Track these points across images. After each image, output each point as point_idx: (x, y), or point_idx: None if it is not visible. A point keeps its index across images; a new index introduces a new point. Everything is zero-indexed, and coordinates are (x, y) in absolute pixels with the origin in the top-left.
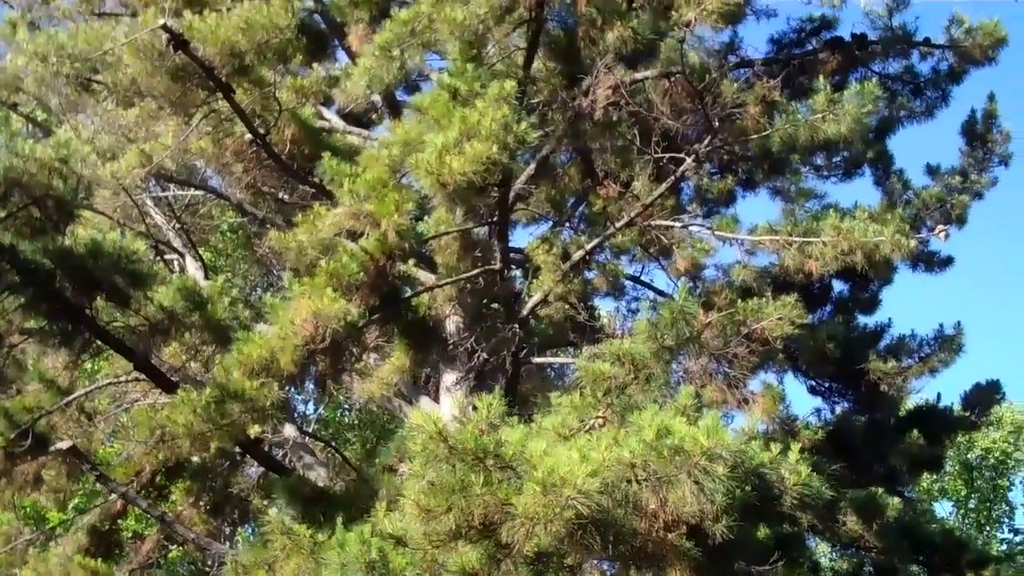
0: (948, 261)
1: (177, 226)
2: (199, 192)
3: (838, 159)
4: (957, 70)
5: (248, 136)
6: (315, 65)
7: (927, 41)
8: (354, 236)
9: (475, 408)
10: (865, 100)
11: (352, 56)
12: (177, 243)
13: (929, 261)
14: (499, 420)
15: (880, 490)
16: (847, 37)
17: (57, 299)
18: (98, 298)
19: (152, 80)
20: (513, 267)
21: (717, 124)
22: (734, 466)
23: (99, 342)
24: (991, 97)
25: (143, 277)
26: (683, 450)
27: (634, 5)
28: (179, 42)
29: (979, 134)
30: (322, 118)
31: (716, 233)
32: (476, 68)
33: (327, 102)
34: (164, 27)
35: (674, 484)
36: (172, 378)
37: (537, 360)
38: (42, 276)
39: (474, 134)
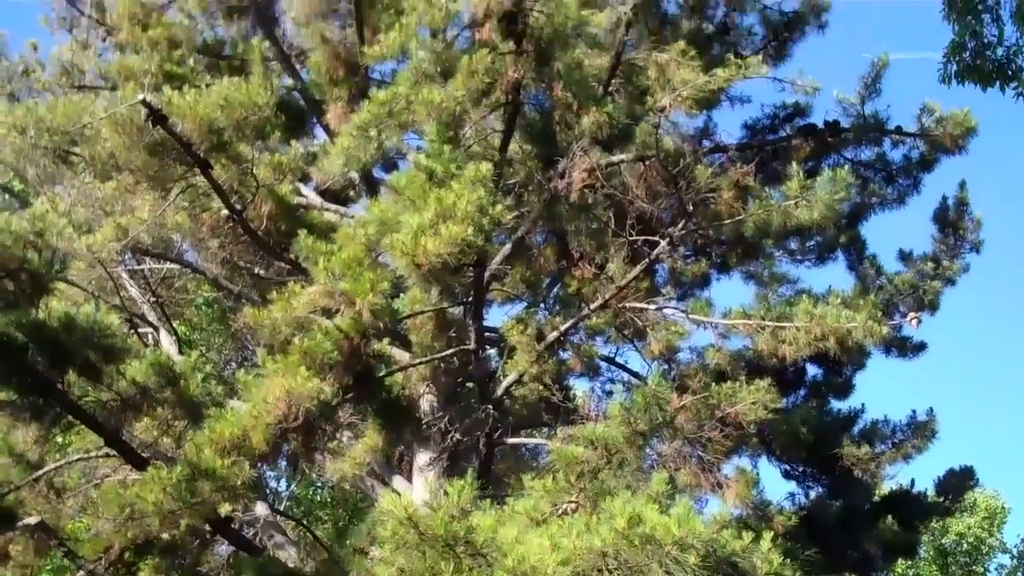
0: (921, 347)
1: (152, 299)
2: (175, 266)
3: (811, 244)
4: (928, 158)
5: (225, 212)
6: (293, 142)
7: (899, 129)
8: (329, 314)
9: (447, 492)
10: (838, 187)
11: (330, 133)
12: (152, 316)
13: (902, 346)
14: (471, 505)
15: None
16: (820, 124)
17: (29, 373)
18: (70, 372)
19: (130, 154)
20: (488, 347)
21: (691, 208)
22: (706, 555)
23: (70, 417)
24: (962, 185)
25: (116, 352)
26: (655, 539)
27: (609, 90)
28: (158, 117)
29: (951, 221)
30: (299, 194)
31: (690, 316)
32: (453, 150)
33: (305, 178)
34: (143, 102)
35: (645, 574)
36: (143, 454)
37: (511, 440)
38: (14, 349)
39: (450, 216)
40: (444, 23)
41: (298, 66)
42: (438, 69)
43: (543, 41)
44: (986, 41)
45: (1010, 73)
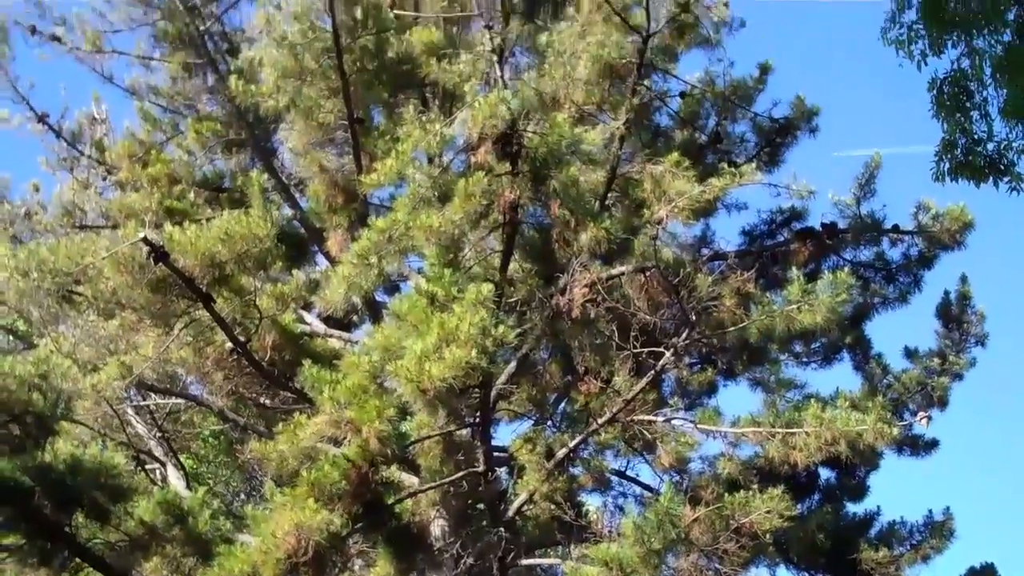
0: (933, 444)
1: (158, 435)
2: (180, 400)
3: (816, 346)
4: (927, 255)
5: (229, 344)
6: (295, 271)
7: (896, 228)
8: (336, 443)
9: None
10: (839, 289)
11: (331, 260)
12: (159, 452)
13: (914, 445)
14: None
15: None
16: (818, 227)
17: (36, 517)
18: (78, 514)
19: (133, 292)
20: (497, 467)
21: (694, 317)
22: None
23: (79, 559)
24: (963, 279)
25: (123, 492)
26: None
27: (606, 203)
28: (160, 255)
29: (954, 316)
30: (303, 322)
31: (699, 426)
32: (453, 272)
33: (307, 306)
34: (145, 240)
35: None
36: None
37: (525, 562)
38: (21, 493)
39: (453, 339)
40: (439, 148)
41: (297, 195)
42: (435, 194)
43: (538, 161)
44: (976, 137)
45: (1002, 168)
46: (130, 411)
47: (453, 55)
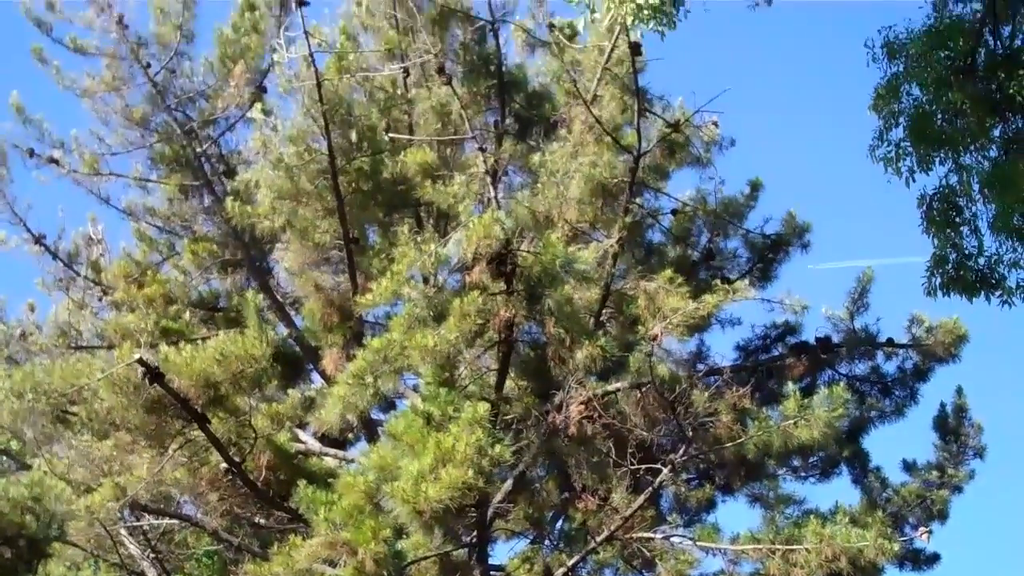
0: (935, 558)
1: (152, 556)
2: (174, 521)
3: (814, 460)
4: (922, 368)
5: (224, 464)
6: (290, 390)
7: (890, 341)
8: (332, 563)
9: None
10: (835, 404)
11: (327, 378)
12: (152, 573)
13: (916, 560)
14: None
15: None
16: (812, 341)
17: None
18: None
19: (128, 413)
20: None
21: (691, 433)
22: None
23: None
24: (959, 391)
25: None
26: None
27: (601, 320)
28: (155, 375)
29: (951, 428)
30: (298, 440)
31: (698, 543)
32: (449, 392)
33: (302, 424)
34: (140, 361)
35: None
36: None
37: None
38: None
39: (449, 459)
40: (434, 267)
41: (293, 313)
42: (431, 313)
43: (533, 280)
44: (967, 252)
45: (994, 282)
46: (123, 532)
47: (447, 176)
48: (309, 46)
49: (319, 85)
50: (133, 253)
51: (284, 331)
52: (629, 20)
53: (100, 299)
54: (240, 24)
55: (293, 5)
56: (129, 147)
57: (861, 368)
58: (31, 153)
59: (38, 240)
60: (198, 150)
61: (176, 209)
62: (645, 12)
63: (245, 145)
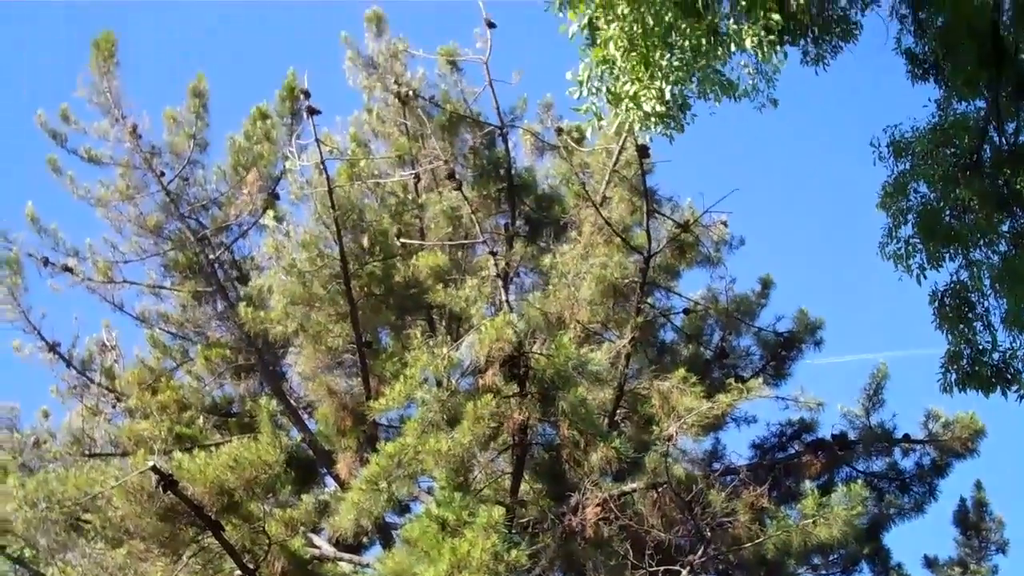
0: None
1: None
2: None
3: (835, 558)
4: (940, 464)
5: (238, 572)
6: (304, 496)
7: (907, 437)
8: None
9: None
10: (853, 502)
11: (340, 482)
12: None
13: None
14: None
15: None
16: (828, 438)
17: None
18: None
19: (141, 521)
20: None
21: (709, 533)
22: None
23: None
24: (978, 485)
25: None
26: None
27: (615, 420)
28: (168, 483)
29: (972, 523)
30: (312, 545)
31: None
32: (463, 496)
33: (316, 528)
34: (154, 468)
35: None
36: None
37: None
38: None
39: (465, 565)
40: (447, 371)
41: (306, 417)
42: (444, 417)
43: (546, 382)
44: (981, 348)
45: (1009, 377)
46: None
47: (459, 279)
48: (321, 153)
49: (331, 191)
50: (147, 359)
51: (297, 435)
52: (637, 127)
53: (114, 406)
54: (252, 132)
55: (305, 114)
56: (143, 255)
57: (879, 464)
58: (46, 262)
59: (52, 348)
60: (211, 257)
61: (189, 315)
62: (652, 120)
63: (258, 251)
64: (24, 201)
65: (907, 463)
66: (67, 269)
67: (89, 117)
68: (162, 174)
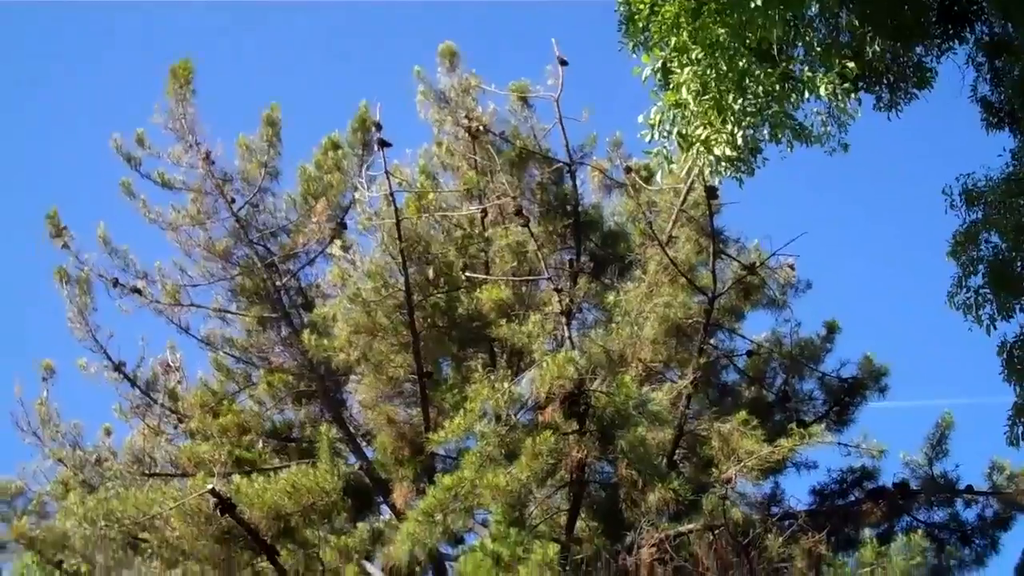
0: None
1: None
2: None
3: None
4: (1004, 516)
5: None
6: (359, 524)
7: (970, 489)
8: None
9: None
10: (913, 552)
11: (396, 512)
12: None
13: None
14: None
15: None
16: (889, 486)
17: None
18: None
19: (198, 543)
20: None
21: None
22: None
23: None
24: None
25: None
26: None
27: (674, 460)
28: (226, 506)
29: None
30: (366, 573)
31: None
32: (519, 532)
33: (370, 556)
34: (212, 491)
35: None
36: None
37: None
38: None
39: None
40: (507, 406)
41: (364, 445)
42: (502, 451)
43: (605, 420)
44: None
45: None
46: None
47: (522, 314)
48: (390, 185)
49: (398, 223)
50: (210, 382)
51: (355, 463)
52: (707, 172)
53: (175, 427)
54: (323, 162)
55: (375, 146)
56: (210, 279)
57: (940, 515)
58: (115, 283)
59: (118, 367)
60: (277, 283)
61: (254, 340)
62: (723, 164)
63: (324, 279)
64: (96, 222)
65: (969, 514)
66: (136, 291)
67: (164, 142)
68: (233, 200)
